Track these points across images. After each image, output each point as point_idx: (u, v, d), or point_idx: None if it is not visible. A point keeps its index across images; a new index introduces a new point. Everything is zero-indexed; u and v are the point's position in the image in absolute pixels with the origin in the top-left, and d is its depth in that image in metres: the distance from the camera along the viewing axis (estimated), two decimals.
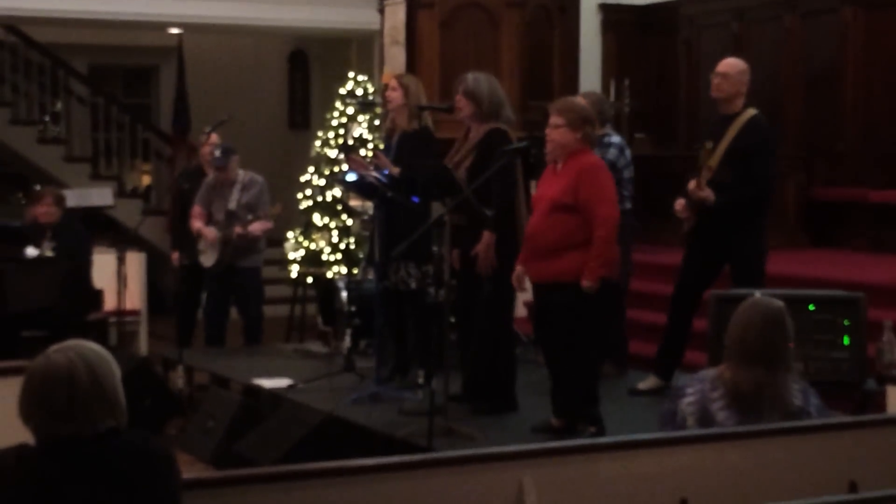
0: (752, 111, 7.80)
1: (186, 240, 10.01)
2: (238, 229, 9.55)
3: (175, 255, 10.41)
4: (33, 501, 3.22)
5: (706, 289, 7.78)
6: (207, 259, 9.71)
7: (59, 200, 10.24)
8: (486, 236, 7.19)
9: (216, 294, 9.83)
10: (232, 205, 9.68)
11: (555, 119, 6.77)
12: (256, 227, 9.65)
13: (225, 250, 9.63)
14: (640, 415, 7.27)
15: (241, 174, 9.80)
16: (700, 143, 7.95)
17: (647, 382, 8.00)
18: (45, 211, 10.10)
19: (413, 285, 7.85)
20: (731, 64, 7.89)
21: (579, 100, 7.43)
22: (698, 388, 4.69)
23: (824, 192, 11.53)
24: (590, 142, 6.85)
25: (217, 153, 9.64)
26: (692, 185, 7.67)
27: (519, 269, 6.91)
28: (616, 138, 8.54)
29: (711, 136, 7.82)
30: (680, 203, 7.78)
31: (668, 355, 8.01)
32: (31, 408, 3.30)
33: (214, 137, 10.25)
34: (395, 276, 7.87)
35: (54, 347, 3.35)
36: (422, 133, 8.01)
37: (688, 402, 4.68)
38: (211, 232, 9.63)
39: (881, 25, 11.41)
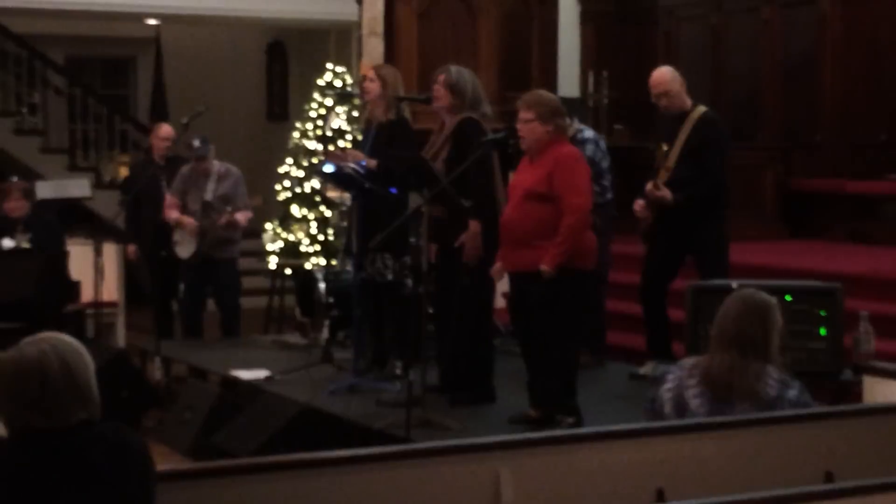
0: (701, 108, 8.01)
1: (142, 231, 10.06)
2: (226, 217, 9.51)
3: (131, 248, 10.43)
4: (7, 493, 3.21)
5: (670, 281, 8.03)
6: (184, 250, 9.67)
7: (28, 193, 10.20)
8: (473, 225, 7.19)
9: (193, 285, 9.79)
10: (208, 196, 9.65)
11: (524, 114, 6.76)
12: (241, 217, 9.63)
13: (202, 241, 9.60)
14: (618, 405, 7.28)
15: (217, 165, 9.78)
16: (655, 144, 8.06)
17: (647, 367, 8.02)
18: (14, 206, 10.05)
19: (390, 276, 7.84)
20: (661, 79, 8.01)
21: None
22: (677, 374, 4.73)
23: (802, 183, 11.56)
24: (562, 132, 6.84)
25: (196, 143, 9.62)
26: (649, 186, 7.86)
27: (498, 264, 6.93)
28: (589, 132, 8.61)
29: (666, 137, 7.99)
30: (639, 203, 8.00)
31: (657, 341, 8.06)
32: (2, 400, 3.29)
33: (166, 130, 10.33)
34: (372, 268, 7.86)
35: (26, 340, 3.34)
36: (398, 123, 8.00)
37: (666, 388, 4.72)
38: (191, 222, 9.59)
39: (859, 16, 11.43)
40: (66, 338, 3.38)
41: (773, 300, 4.77)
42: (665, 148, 7.93)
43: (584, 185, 6.73)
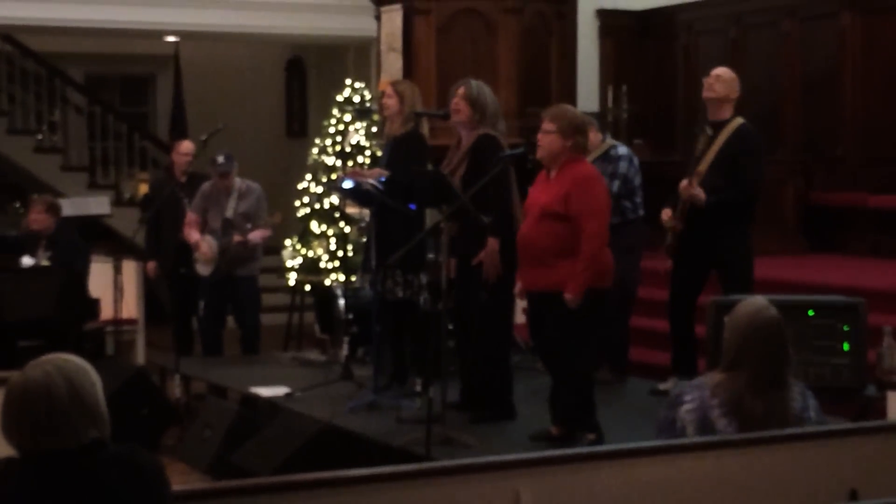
0: (740, 119, 7.97)
1: (162, 248, 10.06)
2: (237, 238, 9.52)
3: (151, 266, 10.43)
4: None
5: (697, 295, 7.98)
6: (204, 268, 9.67)
7: (52, 208, 10.19)
8: (491, 242, 7.16)
9: (213, 303, 9.78)
10: (229, 213, 9.65)
11: (546, 125, 6.75)
12: (256, 236, 9.64)
13: (222, 259, 9.59)
14: (639, 422, 7.24)
15: (238, 182, 9.78)
16: (700, 128, 8.01)
17: (669, 383, 7.98)
18: (35, 218, 10.06)
19: (399, 294, 7.82)
20: (725, 70, 8.08)
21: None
22: (697, 395, 4.63)
23: (823, 197, 11.51)
24: (581, 150, 6.81)
25: (221, 159, 9.64)
26: (684, 183, 7.77)
27: (519, 284, 6.92)
28: (623, 149, 8.62)
29: (701, 142, 7.94)
30: (666, 213, 7.93)
31: (682, 359, 8.01)
32: (11, 424, 3.28)
33: (187, 145, 10.35)
34: (384, 285, 7.84)
35: (32, 363, 3.34)
36: (412, 137, 7.97)
37: (687, 410, 4.62)
38: (207, 250, 9.57)
39: (879, 30, 11.39)
40: (72, 357, 3.37)
41: (777, 312, 4.68)
42: (710, 132, 7.85)
43: (601, 207, 6.69)
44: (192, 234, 9.65)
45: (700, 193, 7.70)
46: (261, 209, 9.75)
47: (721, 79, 7.97)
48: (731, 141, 7.82)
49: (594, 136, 8.10)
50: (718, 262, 7.87)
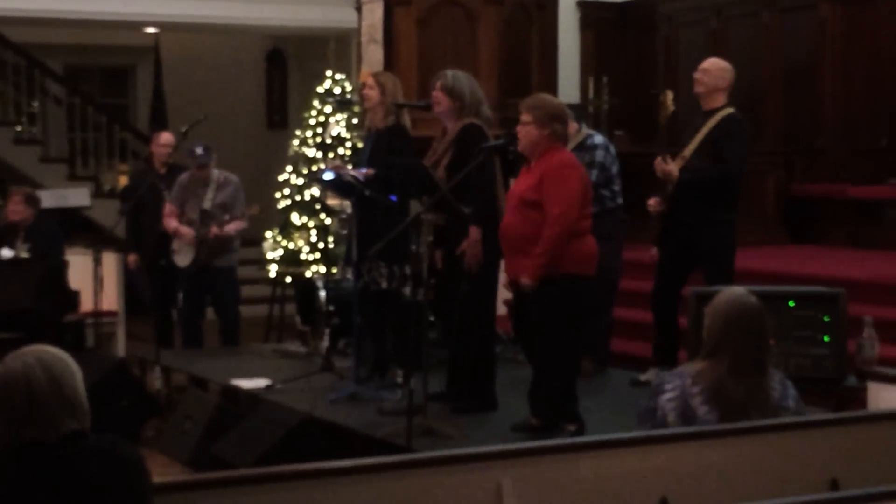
0: (730, 109, 7.98)
1: (142, 240, 10.02)
2: (214, 229, 9.51)
3: (131, 257, 10.41)
4: None
5: (681, 287, 7.97)
6: (182, 259, 9.65)
7: (30, 199, 10.16)
8: (473, 232, 7.15)
9: (191, 294, 9.73)
10: (207, 204, 9.64)
11: (523, 116, 6.74)
12: (232, 228, 9.63)
13: (200, 250, 9.58)
14: (620, 412, 7.24)
15: (216, 173, 9.77)
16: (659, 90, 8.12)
17: (649, 374, 7.99)
18: (14, 209, 10.03)
19: (384, 285, 7.81)
20: (712, 62, 8.12)
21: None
22: (678, 383, 4.65)
23: (803, 188, 11.54)
24: (559, 138, 6.78)
25: (199, 150, 9.63)
26: (657, 160, 7.83)
27: (506, 276, 6.91)
28: (599, 138, 8.60)
29: (694, 131, 7.94)
30: (654, 199, 7.93)
31: (664, 350, 8.02)
32: None
33: (166, 137, 10.35)
34: (368, 276, 7.84)
35: (11, 354, 3.34)
36: (396, 130, 7.98)
37: (668, 399, 4.64)
38: (188, 231, 9.58)
39: (859, 21, 11.42)
40: (51, 349, 3.37)
41: (757, 300, 4.70)
42: (671, 95, 8.03)
43: (569, 194, 6.59)
44: (171, 223, 9.64)
45: (673, 169, 7.76)
46: (238, 200, 9.74)
47: (708, 72, 8.00)
48: (717, 127, 7.86)
49: (570, 126, 8.10)
50: (701, 254, 7.87)
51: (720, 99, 7.96)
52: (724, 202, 7.83)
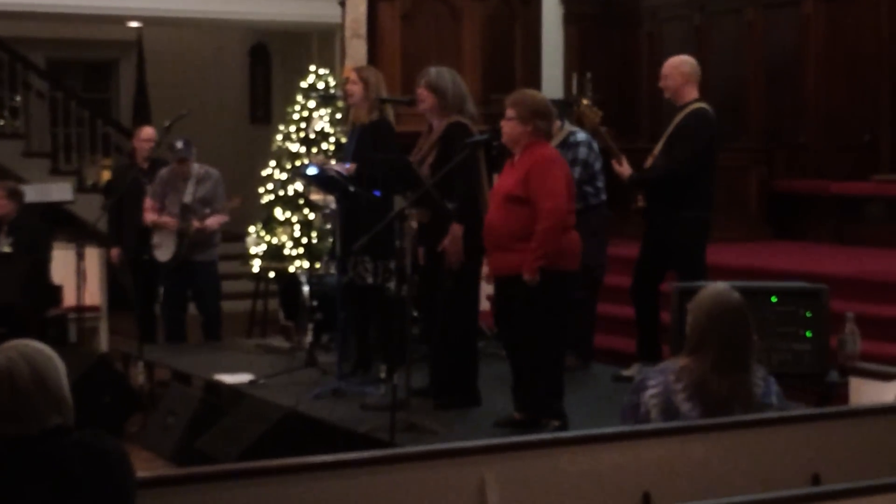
0: (698, 104, 7.99)
1: (125, 235, 10.01)
2: (196, 224, 9.49)
3: (114, 252, 10.39)
4: None
5: (659, 282, 8.06)
6: (163, 254, 9.63)
7: (13, 194, 10.13)
8: (454, 228, 7.14)
9: (172, 289, 9.71)
10: (187, 198, 9.62)
11: (508, 111, 6.75)
12: (212, 222, 9.61)
13: (181, 244, 9.56)
14: (603, 408, 7.26)
15: (197, 167, 9.75)
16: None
17: (632, 370, 7.99)
18: None
19: (369, 280, 7.81)
20: (668, 63, 8.16)
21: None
22: (661, 379, 4.65)
23: (786, 184, 11.57)
24: (542, 134, 6.79)
25: (179, 144, 9.61)
26: (613, 163, 8.05)
27: (486, 269, 6.91)
28: (582, 135, 8.60)
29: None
30: (640, 196, 8.05)
31: (646, 345, 8.04)
32: None
33: (148, 131, 10.33)
34: (353, 271, 7.84)
35: None
36: (380, 125, 7.97)
37: (651, 395, 4.64)
38: (170, 220, 9.54)
39: (842, 18, 11.44)
40: (36, 343, 3.36)
41: (740, 296, 4.71)
42: (595, 109, 8.31)
43: (558, 188, 6.62)
44: (150, 216, 9.62)
45: (623, 171, 7.98)
46: (219, 194, 9.72)
47: (667, 76, 8.05)
48: (680, 122, 7.91)
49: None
50: (670, 252, 7.89)
51: (690, 93, 7.98)
52: (689, 200, 7.84)
